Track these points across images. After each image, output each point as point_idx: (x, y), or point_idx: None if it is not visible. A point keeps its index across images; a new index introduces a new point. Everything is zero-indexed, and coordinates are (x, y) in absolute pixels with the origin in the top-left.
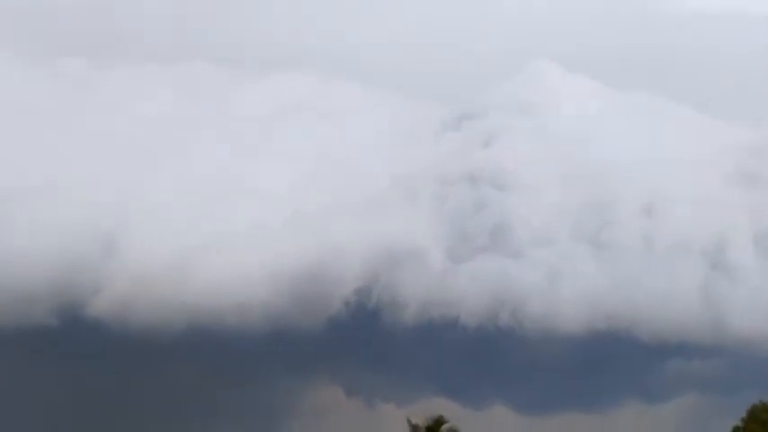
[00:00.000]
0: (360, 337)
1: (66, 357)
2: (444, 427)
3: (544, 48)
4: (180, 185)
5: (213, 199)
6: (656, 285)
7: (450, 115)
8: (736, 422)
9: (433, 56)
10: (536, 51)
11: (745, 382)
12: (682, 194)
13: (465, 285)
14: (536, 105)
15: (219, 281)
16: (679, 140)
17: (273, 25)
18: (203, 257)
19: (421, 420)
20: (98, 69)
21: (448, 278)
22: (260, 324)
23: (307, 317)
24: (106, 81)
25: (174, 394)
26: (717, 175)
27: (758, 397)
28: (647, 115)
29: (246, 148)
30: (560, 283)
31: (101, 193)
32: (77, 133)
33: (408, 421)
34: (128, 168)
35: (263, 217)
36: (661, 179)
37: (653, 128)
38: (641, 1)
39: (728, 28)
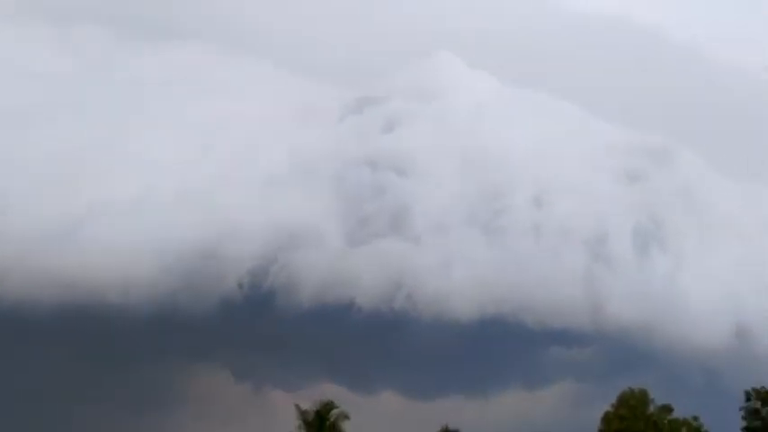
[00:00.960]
0: (252, 320)
1: None
2: (333, 412)
3: (447, 41)
4: (62, 150)
5: (97, 166)
6: (542, 273)
7: (353, 98)
8: (608, 407)
9: (339, 39)
10: (439, 44)
11: (618, 370)
12: (568, 187)
13: (362, 268)
14: (436, 95)
15: (102, 254)
16: (568, 137)
17: None
18: (85, 227)
19: (310, 406)
20: None
21: (345, 261)
22: (145, 302)
23: (197, 296)
24: None
25: (48, 376)
26: (600, 171)
27: (628, 383)
28: (540, 112)
29: (137, 115)
30: (454, 268)
31: None
32: None
33: (297, 407)
34: (5, 130)
35: (153, 188)
36: (550, 172)
37: (545, 124)
38: (542, 2)
39: (616, 33)
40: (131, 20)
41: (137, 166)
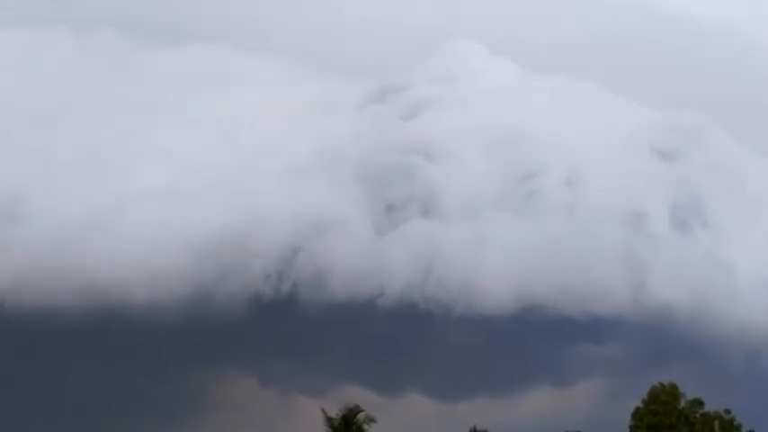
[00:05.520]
0: (279, 317)
1: None
2: (360, 416)
3: (469, 29)
4: (85, 145)
5: (122, 161)
6: (578, 254)
7: (375, 88)
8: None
9: (358, 33)
10: (461, 32)
11: (655, 359)
12: (600, 166)
13: (390, 256)
14: (460, 81)
15: (128, 250)
16: (595, 118)
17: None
18: (110, 223)
19: (335, 411)
20: None
21: (373, 249)
22: (173, 300)
23: (226, 290)
24: (7, 40)
25: (71, 385)
26: (631, 149)
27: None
28: (565, 95)
29: (160, 110)
30: (486, 252)
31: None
32: None
33: (324, 412)
34: (31, 128)
35: (177, 180)
36: (580, 152)
37: (571, 106)
38: None
39: (640, 20)
40: (143, 24)
41: (162, 160)
